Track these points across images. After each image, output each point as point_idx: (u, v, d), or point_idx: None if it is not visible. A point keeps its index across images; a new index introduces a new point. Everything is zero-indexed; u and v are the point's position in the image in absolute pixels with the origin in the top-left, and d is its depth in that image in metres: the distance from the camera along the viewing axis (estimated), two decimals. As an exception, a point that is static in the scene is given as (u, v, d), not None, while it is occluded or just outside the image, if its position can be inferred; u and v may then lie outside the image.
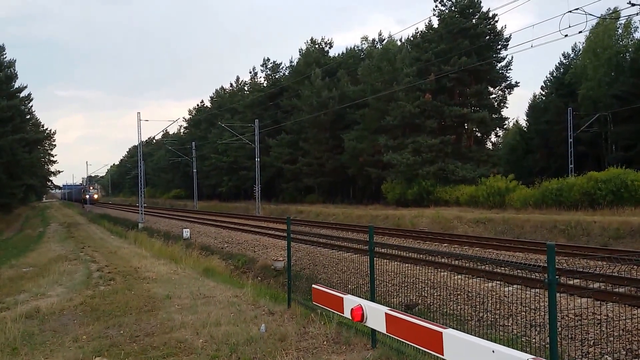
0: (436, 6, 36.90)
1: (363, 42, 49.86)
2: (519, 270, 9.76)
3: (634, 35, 36.90)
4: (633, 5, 15.80)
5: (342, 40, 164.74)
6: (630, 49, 36.46)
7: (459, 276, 10.76)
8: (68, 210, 64.45)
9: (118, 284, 9.57)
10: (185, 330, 6.05)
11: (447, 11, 36.14)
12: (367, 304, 4.08)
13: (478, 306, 8.96)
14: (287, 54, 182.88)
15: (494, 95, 37.19)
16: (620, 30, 37.10)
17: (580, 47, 41.87)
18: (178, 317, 6.68)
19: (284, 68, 57.71)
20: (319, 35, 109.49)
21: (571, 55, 45.06)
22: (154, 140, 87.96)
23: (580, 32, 17.61)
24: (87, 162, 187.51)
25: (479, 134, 37.87)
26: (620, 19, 34.33)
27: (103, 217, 42.79)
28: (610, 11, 31.93)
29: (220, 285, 9.40)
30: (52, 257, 14.89)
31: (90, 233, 26.19)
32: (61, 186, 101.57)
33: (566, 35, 15.58)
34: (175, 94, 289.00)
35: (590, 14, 22.85)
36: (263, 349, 5.19)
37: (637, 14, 31.82)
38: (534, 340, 7.39)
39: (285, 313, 6.67)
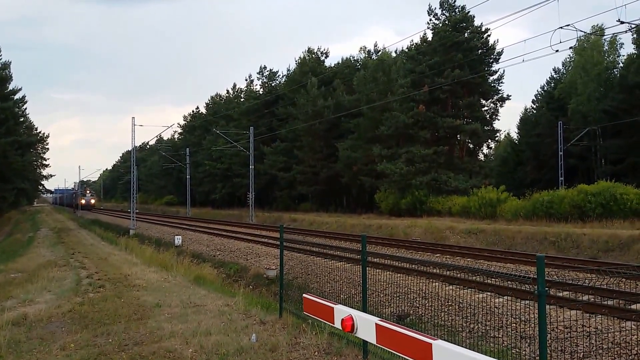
0: (430, 20, 37.60)
1: (360, 51, 50.28)
2: (509, 282, 9.82)
3: (620, 51, 37.70)
4: (622, 22, 16.12)
5: (342, 50, 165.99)
6: (619, 65, 37.14)
7: (451, 287, 10.79)
8: (59, 215, 63.82)
9: (107, 291, 9.47)
10: (175, 339, 6.00)
11: (440, 25, 36.71)
12: (357, 314, 4.08)
13: (469, 317, 8.98)
14: (284, 63, 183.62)
15: (486, 108, 37.76)
16: (606, 47, 37.78)
17: (571, 62, 42.51)
18: (168, 326, 6.62)
19: (280, 76, 58.00)
20: (316, 45, 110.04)
21: (561, 70, 45.77)
22: (148, 146, 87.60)
23: (570, 47, 17.94)
24: (79, 166, 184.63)
25: (471, 146, 38.29)
26: (609, 36, 35.03)
27: (94, 223, 42.43)
28: (597, 28, 32.50)
29: (211, 294, 9.34)
30: (42, 263, 14.71)
31: (81, 239, 25.92)
32: (53, 190, 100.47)
33: (557, 51, 15.88)
34: (173, 99, 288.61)
35: (581, 31, 23.18)
36: (254, 359, 5.16)
37: (625, 32, 32.39)
38: (524, 352, 7.42)
39: (277, 323, 6.64)
